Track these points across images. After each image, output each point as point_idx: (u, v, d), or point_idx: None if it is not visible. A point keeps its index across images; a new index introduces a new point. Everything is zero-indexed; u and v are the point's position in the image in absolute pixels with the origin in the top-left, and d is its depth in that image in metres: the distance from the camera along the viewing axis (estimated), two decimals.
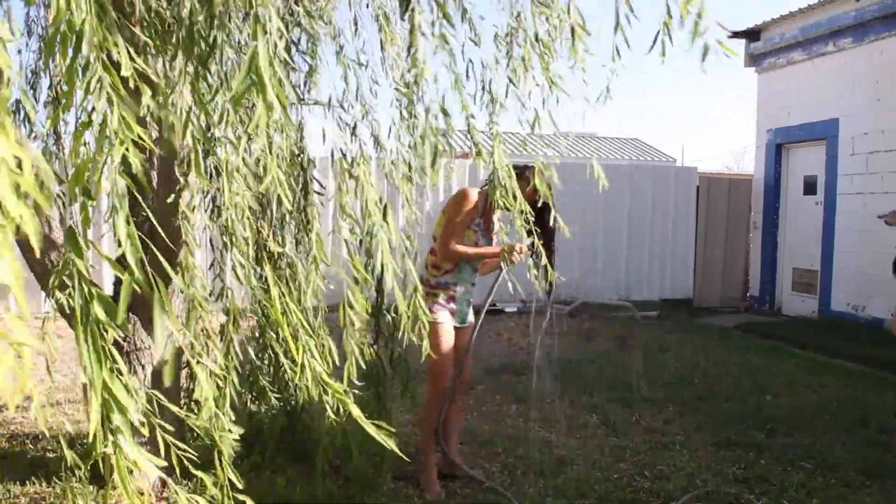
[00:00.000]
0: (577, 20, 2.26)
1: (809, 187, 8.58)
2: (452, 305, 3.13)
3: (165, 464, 1.09)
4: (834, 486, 3.24)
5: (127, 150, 1.14)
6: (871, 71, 7.44)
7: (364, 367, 2.33)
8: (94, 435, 1.03)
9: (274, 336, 2.83)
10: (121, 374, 1.35)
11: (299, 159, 3.13)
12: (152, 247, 1.47)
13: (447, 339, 3.06)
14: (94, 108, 1.10)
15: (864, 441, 3.85)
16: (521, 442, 3.76)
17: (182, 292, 2.93)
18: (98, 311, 1.00)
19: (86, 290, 0.99)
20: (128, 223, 1.11)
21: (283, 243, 2.91)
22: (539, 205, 2.79)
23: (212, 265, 3.38)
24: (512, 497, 3.01)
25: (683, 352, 6.15)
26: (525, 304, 8.68)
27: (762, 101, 9.18)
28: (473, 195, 3.07)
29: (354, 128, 2.65)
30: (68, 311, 2.67)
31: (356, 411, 1.50)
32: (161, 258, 1.25)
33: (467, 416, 4.24)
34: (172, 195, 2.45)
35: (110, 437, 1.05)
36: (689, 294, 9.60)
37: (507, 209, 2.67)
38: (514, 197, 2.61)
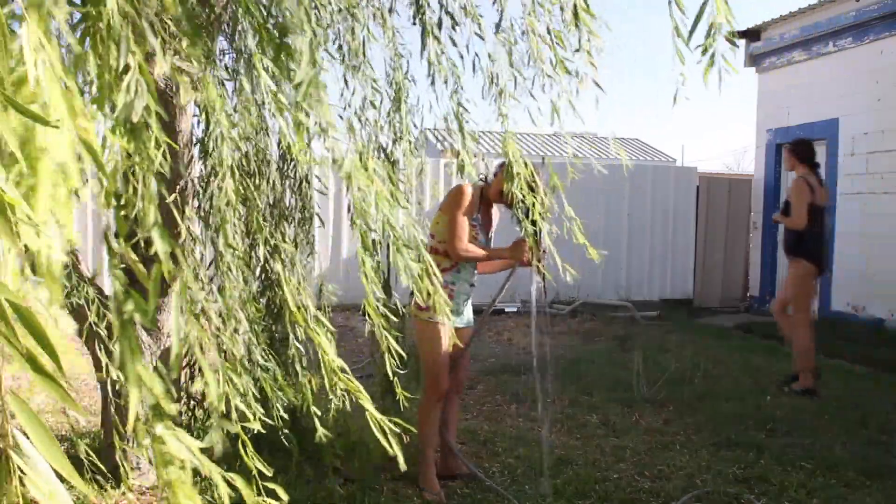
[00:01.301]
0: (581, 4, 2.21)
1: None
2: (451, 303, 3.11)
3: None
4: (834, 486, 3.24)
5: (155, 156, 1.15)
6: (871, 71, 7.44)
7: (392, 361, 2.32)
8: (134, 429, 1.04)
9: (256, 334, 2.82)
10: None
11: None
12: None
13: (444, 340, 3.04)
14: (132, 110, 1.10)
15: (864, 441, 3.85)
16: (521, 442, 3.76)
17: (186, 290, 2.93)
18: (130, 307, 1.02)
19: (121, 287, 1.00)
20: (158, 223, 1.12)
21: (284, 239, 2.91)
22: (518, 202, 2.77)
23: (218, 265, 3.38)
24: (512, 497, 3.01)
25: (683, 352, 6.14)
26: (525, 303, 8.69)
27: (762, 101, 9.18)
28: (470, 190, 3.07)
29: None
30: (75, 308, 2.67)
31: (370, 407, 1.48)
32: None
33: (467, 416, 4.24)
34: (173, 194, 2.45)
35: (148, 430, 1.06)
36: (689, 294, 9.60)
37: (522, 200, 2.64)
38: (531, 188, 2.59)
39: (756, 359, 6.00)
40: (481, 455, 3.59)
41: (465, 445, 3.70)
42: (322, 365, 1.69)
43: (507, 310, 8.32)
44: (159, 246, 1.05)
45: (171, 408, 1.04)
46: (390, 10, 2.76)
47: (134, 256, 1.04)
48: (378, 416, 1.45)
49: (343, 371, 1.64)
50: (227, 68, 3.03)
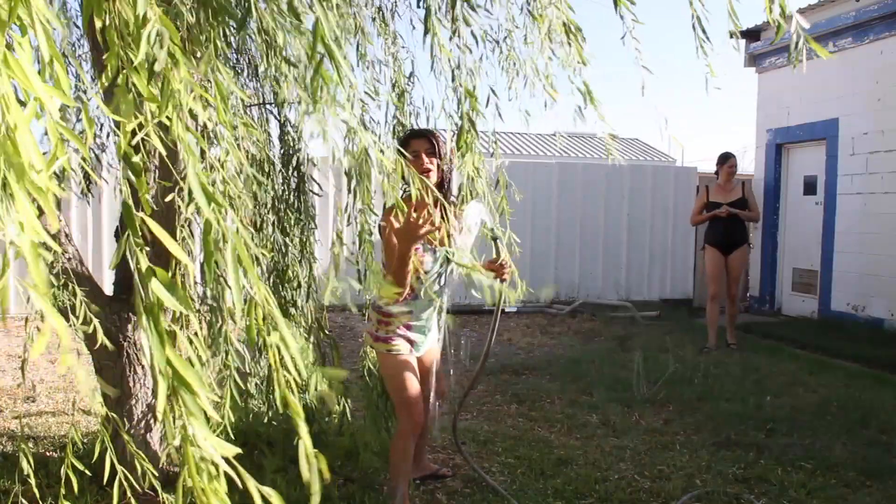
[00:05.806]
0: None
1: (809, 187, 8.58)
2: (409, 334, 2.74)
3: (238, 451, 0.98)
4: (834, 486, 3.24)
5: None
6: (871, 71, 7.43)
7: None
8: (164, 423, 0.99)
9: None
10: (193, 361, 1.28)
11: (296, 158, 3.13)
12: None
13: (409, 370, 2.72)
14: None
15: (864, 441, 3.84)
16: (521, 442, 3.76)
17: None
18: (158, 289, 0.95)
19: (143, 267, 0.95)
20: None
21: (275, 242, 2.90)
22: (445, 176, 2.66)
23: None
24: (512, 497, 3.01)
25: (683, 352, 6.14)
26: (526, 304, 8.68)
27: (762, 101, 9.18)
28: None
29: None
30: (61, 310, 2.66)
31: (304, 435, 1.23)
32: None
33: (467, 416, 4.24)
34: (172, 194, 2.44)
35: (179, 425, 0.96)
36: (689, 294, 9.59)
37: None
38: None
39: (756, 359, 5.99)
40: (481, 455, 3.59)
41: (464, 446, 3.70)
42: (275, 378, 1.58)
43: (507, 310, 8.31)
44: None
45: (207, 403, 0.95)
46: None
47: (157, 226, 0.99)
48: (308, 444, 1.15)
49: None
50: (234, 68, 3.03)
